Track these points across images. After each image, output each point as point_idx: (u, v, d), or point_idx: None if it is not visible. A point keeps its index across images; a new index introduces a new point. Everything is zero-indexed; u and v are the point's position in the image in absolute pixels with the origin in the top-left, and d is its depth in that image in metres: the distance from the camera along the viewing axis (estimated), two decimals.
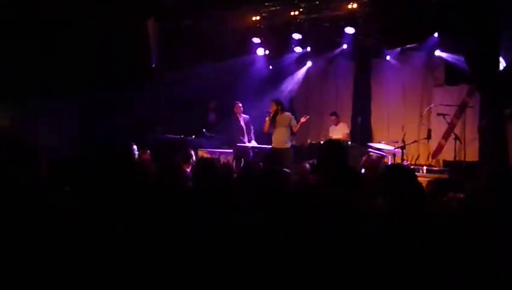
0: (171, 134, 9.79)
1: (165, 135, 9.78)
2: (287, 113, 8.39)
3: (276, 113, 8.21)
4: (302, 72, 11.68)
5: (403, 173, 2.99)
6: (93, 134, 8.49)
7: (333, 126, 9.93)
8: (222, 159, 8.77)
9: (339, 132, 9.69)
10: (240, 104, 9.24)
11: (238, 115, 9.16)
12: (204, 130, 9.99)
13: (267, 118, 8.27)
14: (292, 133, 8.44)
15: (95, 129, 8.64)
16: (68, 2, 8.04)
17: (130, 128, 8.57)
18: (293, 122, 8.28)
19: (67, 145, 7.83)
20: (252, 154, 8.97)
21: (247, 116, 9.28)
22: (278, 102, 8.35)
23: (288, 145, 8.29)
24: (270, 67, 11.64)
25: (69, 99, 8.28)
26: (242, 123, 9.16)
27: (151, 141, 9.18)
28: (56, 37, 8.15)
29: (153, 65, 9.80)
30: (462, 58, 8.65)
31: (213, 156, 9.04)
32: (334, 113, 10.03)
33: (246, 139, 9.10)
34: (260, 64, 11.36)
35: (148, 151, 6.81)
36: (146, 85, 9.34)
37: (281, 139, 8.18)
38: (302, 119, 8.37)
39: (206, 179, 3.24)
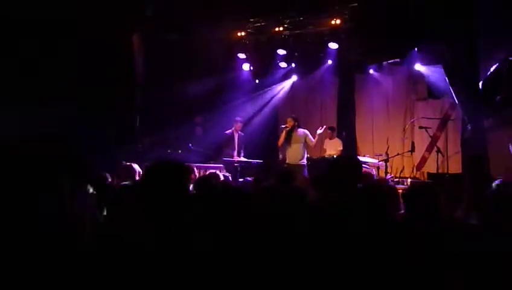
0: (157, 149, 9.76)
1: (152, 150, 9.74)
2: (303, 130, 8.54)
3: (292, 130, 8.38)
4: (287, 86, 11.81)
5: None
6: (77, 148, 8.41)
7: (328, 139, 10.02)
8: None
9: (333, 146, 9.79)
10: (241, 123, 9.29)
11: (235, 131, 9.22)
12: (190, 144, 9.99)
13: (283, 132, 8.45)
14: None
15: (79, 144, 8.57)
16: (51, 17, 8.02)
17: (115, 143, 8.53)
18: (309, 138, 8.45)
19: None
20: (239, 169, 9.00)
21: (243, 134, 9.35)
22: (295, 119, 8.54)
23: (303, 162, 8.44)
24: (256, 81, 11.75)
25: (52, 113, 8.21)
26: (236, 139, 9.22)
27: (138, 156, 9.13)
28: (38, 53, 8.11)
29: (139, 80, 9.81)
30: (442, 72, 8.85)
31: (199, 170, 9.04)
32: (331, 128, 10.12)
33: (235, 155, 9.15)
34: (246, 80, 11.45)
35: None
36: (131, 100, 9.35)
37: (296, 155, 8.35)
38: (319, 131, 8.56)
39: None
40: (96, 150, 8.26)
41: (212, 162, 9.50)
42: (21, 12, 7.71)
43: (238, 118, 9.36)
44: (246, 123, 9.97)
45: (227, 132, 9.26)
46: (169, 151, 9.68)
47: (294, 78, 11.76)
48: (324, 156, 9.63)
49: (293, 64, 11.26)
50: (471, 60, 7.77)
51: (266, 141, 10.83)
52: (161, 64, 9.80)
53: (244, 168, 8.92)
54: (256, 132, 10.86)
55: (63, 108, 8.23)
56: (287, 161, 8.52)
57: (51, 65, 8.26)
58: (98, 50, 8.54)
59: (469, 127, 8.51)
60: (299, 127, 8.54)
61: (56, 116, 8.24)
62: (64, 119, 8.34)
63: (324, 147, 9.97)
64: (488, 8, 7.25)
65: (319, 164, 8.98)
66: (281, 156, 9.23)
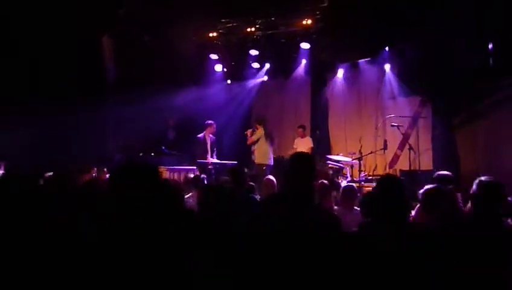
0: (129, 151, 9.60)
1: (124, 152, 9.57)
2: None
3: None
4: (260, 87, 11.80)
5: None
6: (46, 152, 8.22)
7: (299, 138, 10.01)
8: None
9: (304, 145, 9.79)
10: (214, 126, 9.25)
11: (207, 134, 9.16)
12: (163, 147, 9.87)
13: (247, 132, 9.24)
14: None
15: (48, 147, 8.36)
16: (18, 18, 7.82)
17: (87, 146, 8.36)
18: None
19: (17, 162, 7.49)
20: (214, 171, 8.94)
21: (214, 137, 9.31)
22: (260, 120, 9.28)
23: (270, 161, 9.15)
24: (229, 82, 11.70)
25: (21, 115, 8.00)
26: (209, 142, 9.16)
27: (110, 160, 8.97)
28: (6, 53, 7.90)
29: (109, 81, 9.63)
30: (412, 71, 8.99)
31: (172, 173, 8.93)
32: (301, 126, 10.12)
33: (209, 157, 9.09)
34: (218, 80, 11.39)
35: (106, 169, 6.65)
36: (101, 102, 9.16)
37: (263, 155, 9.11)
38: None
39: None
40: (67, 151, 8.10)
41: (185, 164, 9.40)
42: None
43: (210, 122, 9.30)
44: (218, 124, 9.89)
45: (199, 135, 9.19)
46: (141, 154, 9.55)
47: (267, 78, 11.75)
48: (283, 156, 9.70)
49: (266, 65, 11.26)
50: (440, 58, 7.91)
51: (239, 142, 10.78)
52: (133, 65, 9.65)
53: (218, 169, 8.86)
54: (229, 133, 10.81)
55: (30, 109, 8.04)
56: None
57: (15, 64, 8.06)
58: (67, 50, 8.37)
59: (439, 125, 8.67)
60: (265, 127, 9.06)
61: (23, 118, 8.04)
62: (32, 121, 8.15)
63: (294, 146, 9.91)
64: (459, 6, 7.38)
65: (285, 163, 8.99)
66: (253, 156, 9.36)
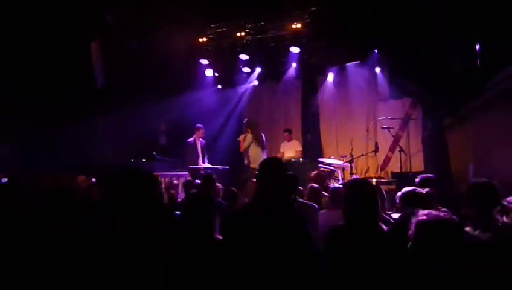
0: (120, 157, 9.54)
1: (114, 159, 9.51)
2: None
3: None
4: (250, 91, 11.81)
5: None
6: (34, 160, 8.17)
7: (286, 142, 10.01)
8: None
9: (291, 148, 9.79)
10: (203, 129, 9.22)
11: (197, 138, 9.14)
12: (154, 153, 9.82)
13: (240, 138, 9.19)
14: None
15: (36, 155, 8.31)
16: (7, 24, 7.78)
17: (75, 153, 8.31)
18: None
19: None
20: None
21: (204, 141, 9.28)
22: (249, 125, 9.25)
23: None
24: (219, 87, 11.69)
25: (8, 123, 7.96)
26: (199, 146, 9.14)
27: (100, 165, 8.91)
28: None
29: (98, 87, 9.59)
30: (402, 73, 9.04)
31: (164, 179, 8.89)
32: (287, 130, 10.13)
33: (200, 162, 9.06)
34: (209, 85, 11.38)
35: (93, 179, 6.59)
36: (91, 107, 9.12)
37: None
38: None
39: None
40: (55, 158, 8.04)
41: (178, 170, 9.37)
42: None
43: (199, 125, 9.29)
44: (210, 129, 9.89)
45: (189, 139, 9.17)
46: (132, 160, 9.49)
47: (255, 82, 11.76)
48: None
49: (256, 69, 11.27)
50: (429, 60, 7.96)
51: (231, 147, 10.77)
52: (122, 70, 9.62)
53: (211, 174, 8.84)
54: (220, 137, 10.80)
55: (18, 117, 7.99)
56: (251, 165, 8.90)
57: (3, 71, 8.02)
58: (55, 57, 8.34)
59: (429, 126, 8.72)
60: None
61: (10, 125, 8.00)
62: (19, 128, 8.10)
63: (281, 150, 9.91)
64: (443, 10, 7.44)
65: None
66: (246, 161, 9.33)
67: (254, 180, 5.59)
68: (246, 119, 9.75)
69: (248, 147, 9.12)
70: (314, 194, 5.08)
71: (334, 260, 2.74)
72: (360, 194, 2.88)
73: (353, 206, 2.85)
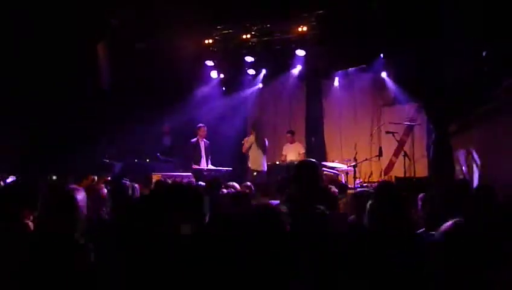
0: (123, 157, 9.56)
1: (118, 159, 9.54)
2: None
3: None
4: (255, 93, 11.81)
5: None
6: (42, 160, 8.20)
7: (288, 144, 9.97)
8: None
9: (294, 151, 9.76)
10: (205, 128, 9.21)
11: (200, 138, 9.13)
12: (158, 153, 9.83)
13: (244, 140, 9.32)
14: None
15: (43, 154, 8.34)
16: (15, 26, 7.83)
17: (83, 154, 8.35)
18: None
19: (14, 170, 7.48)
20: (209, 177, 8.90)
21: (208, 141, 9.27)
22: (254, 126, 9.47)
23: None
24: (224, 89, 11.69)
25: (18, 121, 8.00)
26: (203, 147, 9.12)
27: (105, 165, 8.94)
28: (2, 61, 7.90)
29: (104, 88, 9.61)
30: (407, 78, 9.01)
31: (169, 179, 8.88)
32: (290, 131, 10.10)
33: (204, 163, 9.04)
34: (214, 87, 11.38)
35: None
36: (97, 107, 9.15)
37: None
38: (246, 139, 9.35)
39: None
40: (62, 158, 8.08)
41: (181, 170, 9.36)
42: None
43: (201, 124, 9.27)
44: (215, 130, 9.88)
45: (192, 140, 9.16)
46: (136, 160, 9.50)
47: (259, 85, 11.76)
48: (283, 162, 9.63)
49: (262, 71, 11.27)
50: (435, 66, 7.93)
51: (235, 148, 10.77)
52: (128, 72, 9.64)
53: (214, 176, 8.83)
54: (224, 139, 10.78)
55: (25, 117, 8.03)
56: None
57: (12, 72, 8.07)
58: (62, 58, 8.38)
59: (434, 132, 8.68)
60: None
61: (18, 125, 8.04)
62: (27, 128, 8.14)
63: (283, 152, 9.90)
64: (452, 15, 7.42)
65: (279, 170, 9.04)
66: (249, 163, 9.38)
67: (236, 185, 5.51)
68: (251, 121, 9.75)
69: (249, 147, 9.12)
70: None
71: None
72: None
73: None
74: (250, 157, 9.25)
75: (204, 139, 9.22)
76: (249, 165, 9.26)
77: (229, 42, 10.37)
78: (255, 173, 8.97)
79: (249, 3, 9.23)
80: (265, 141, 9.29)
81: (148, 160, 9.71)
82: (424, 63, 8.04)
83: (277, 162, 9.61)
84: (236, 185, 5.21)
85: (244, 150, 9.31)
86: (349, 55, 9.78)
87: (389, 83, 10.19)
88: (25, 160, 8.34)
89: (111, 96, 9.63)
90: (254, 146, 9.13)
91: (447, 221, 2.06)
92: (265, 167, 9.21)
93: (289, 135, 9.98)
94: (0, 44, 7.83)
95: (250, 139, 9.20)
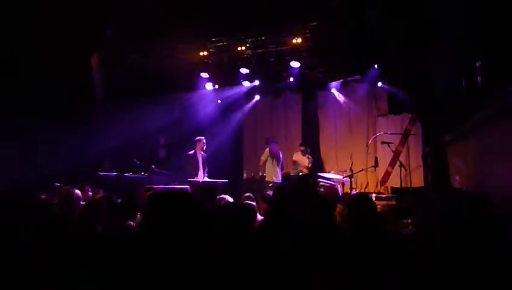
0: (118, 171, 9.50)
1: (113, 172, 9.48)
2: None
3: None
4: (250, 105, 11.83)
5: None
6: (36, 170, 8.16)
7: (299, 154, 9.93)
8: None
9: (303, 161, 9.77)
10: (204, 141, 9.18)
11: (198, 151, 9.09)
12: (153, 166, 9.77)
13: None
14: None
15: (38, 165, 8.30)
16: (9, 39, 7.83)
17: (75, 165, 8.29)
18: None
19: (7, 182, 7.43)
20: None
21: (205, 154, 9.24)
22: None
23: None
24: (219, 101, 11.69)
25: (12, 133, 7.97)
26: (200, 159, 9.08)
27: (99, 178, 8.89)
28: None
29: (97, 101, 9.60)
30: (401, 89, 9.03)
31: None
32: (303, 145, 10.04)
33: (201, 175, 9.00)
34: (209, 99, 11.39)
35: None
36: (90, 121, 9.12)
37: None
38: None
39: None
40: (55, 169, 8.03)
41: (176, 183, 9.30)
42: None
43: (200, 137, 9.25)
44: (210, 142, 9.84)
45: (190, 152, 9.12)
46: (131, 173, 9.45)
47: (257, 97, 11.78)
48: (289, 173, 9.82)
49: (256, 83, 11.29)
50: (430, 76, 7.96)
51: (230, 160, 10.76)
52: (123, 84, 9.63)
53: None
54: (220, 151, 10.75)
55: (19, 127, 8.01)
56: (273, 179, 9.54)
57: (5, 84, 8.06)
58: (56, 69, 8.38)
59: (429, 142, 8.68)
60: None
61: (12, 135, 8.01)
62: (21, 138, 8.11)
63: (294, 158, 9.95)
64: (446, 25, 7.46)
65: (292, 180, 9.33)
66: (260, 173, 10.04)
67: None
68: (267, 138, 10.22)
69: (266, 161, 9.67)
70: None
71: None
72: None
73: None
74: (266, 169, 9.70)
75: (202, 152, 9.19)
76: (266, 178, 9.72)
77: (223, 54, 10.40)
78: (270, 185, 9.34)
79: (244, 16, 9.27)
80: (280, 156, 9.76)
81: (143, 173, 9.64)
82: (418, 73, 8.06)
83: (291, 173, 9.82)
84: (229, 197, 5.17)
85: (260, 164, 9.83)
86: (344, 66, 9.83)
87: (383, 93, 10.23)
88: (16, 169, 8.31)
89: (104, 106, 9.62)
90: (269, 160, 9.61)
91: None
92: (280, 179, 9.60)
93: (303, 148, 9.93)
94: None
95: (265, 153, 9.68)
